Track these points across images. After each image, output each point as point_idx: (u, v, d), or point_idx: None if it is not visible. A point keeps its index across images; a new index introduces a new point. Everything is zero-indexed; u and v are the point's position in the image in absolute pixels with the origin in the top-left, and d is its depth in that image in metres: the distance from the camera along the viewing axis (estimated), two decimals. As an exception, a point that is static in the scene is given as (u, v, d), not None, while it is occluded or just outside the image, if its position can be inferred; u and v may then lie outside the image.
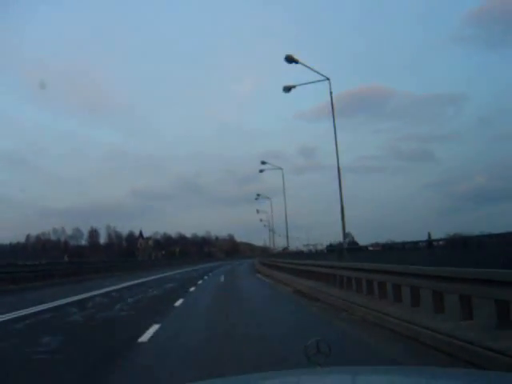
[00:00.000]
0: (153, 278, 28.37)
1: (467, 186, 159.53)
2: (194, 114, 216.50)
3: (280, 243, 71.60)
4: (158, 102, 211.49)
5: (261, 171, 37.68)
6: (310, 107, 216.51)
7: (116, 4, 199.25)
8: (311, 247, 62.95)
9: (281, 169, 37.81)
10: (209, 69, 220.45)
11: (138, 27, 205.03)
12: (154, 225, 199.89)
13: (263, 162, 36.66)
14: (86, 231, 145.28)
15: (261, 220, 62.66)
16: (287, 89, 19.91)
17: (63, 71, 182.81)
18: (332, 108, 17.38)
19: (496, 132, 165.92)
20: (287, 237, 40.38)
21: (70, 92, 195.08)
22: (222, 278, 27.66)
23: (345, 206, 17.48)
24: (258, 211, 57.54)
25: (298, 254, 32.08)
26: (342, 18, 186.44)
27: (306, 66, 17.12)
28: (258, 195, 49.83)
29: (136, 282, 23.54)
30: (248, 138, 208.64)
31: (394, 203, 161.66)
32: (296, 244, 71.14)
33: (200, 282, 23.44)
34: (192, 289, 18.49)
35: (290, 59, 17.42)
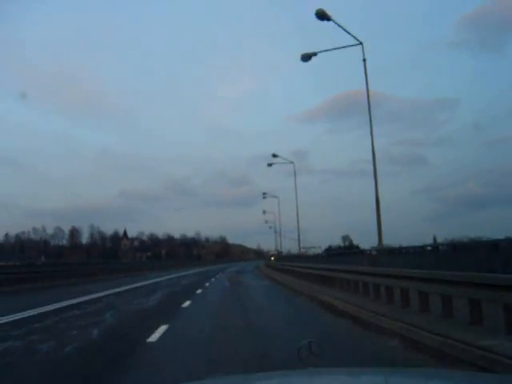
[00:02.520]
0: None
1: (459, 191, 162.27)
2: (185, 115, 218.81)
3: (275, 246, 68.97)
4: (149, 104, 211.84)
5: (269, 165, 35.79)
6: (301, 110, 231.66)
7: (107, 4, 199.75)
8: (307, 250, 64.50)
9: (292, 163, 35.78)
10: (201, 70, 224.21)
11: (130, 28, 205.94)
12: (142, 226, 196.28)
13: (274, 155, 34.62)
14: (68, 231, 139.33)
15: (266, 221, 62.77)
16: (307, 57, 16.85)
17: (53, 72, 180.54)
18: (366, 80, 14.75)
19: (488, 137, 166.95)
20: (299, 239, 37.79)
21: (58, 92, 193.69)
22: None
23: (379, 208, 14.19)
24: (264, 212, 57.23)
25: (312, 258, 29.49)
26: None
27: (339, 25, 14.80)
28: (265, 193, 48.56)
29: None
30: (239, 140, 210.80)
31: (386, 207, 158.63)
32: (289, 247, 70.39)
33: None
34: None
35: (321, 15, 14.78)
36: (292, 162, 35.90)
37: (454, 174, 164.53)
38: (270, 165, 35.90)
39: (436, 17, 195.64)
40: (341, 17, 14.97)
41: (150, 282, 24.30)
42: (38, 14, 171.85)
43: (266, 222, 63.03)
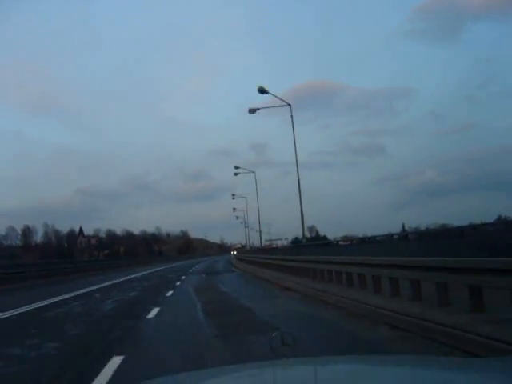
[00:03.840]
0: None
1: (418, 179, 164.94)
2: (141, 111, 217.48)
3: (246, 240, 72.98)
4: (104, 101, 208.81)
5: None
6: (261, 103, 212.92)
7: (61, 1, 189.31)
8: (271, 243, 70.78)
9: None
10: (156, 65, 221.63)
11: (83, 24, 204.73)
12: (101, 224, 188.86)
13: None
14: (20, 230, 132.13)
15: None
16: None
17: (8, 69, 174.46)
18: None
19: (447, 126, 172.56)
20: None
21: (11, 91, 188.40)
22: None
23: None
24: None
25: (278, 250, 32.79)
26: (290, 13, 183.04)
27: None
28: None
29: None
30: (197, 135, 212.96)
31: (348, 198, 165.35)
32: (256, 240, 73.12)
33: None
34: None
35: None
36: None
37: (415, 163, 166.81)
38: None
39: (392, 6, 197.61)
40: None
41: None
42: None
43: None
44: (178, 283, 20.46)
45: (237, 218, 67.37)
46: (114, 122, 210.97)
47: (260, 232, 45.57)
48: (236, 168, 41.30)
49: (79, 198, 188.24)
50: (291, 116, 22.51)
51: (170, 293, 15.49)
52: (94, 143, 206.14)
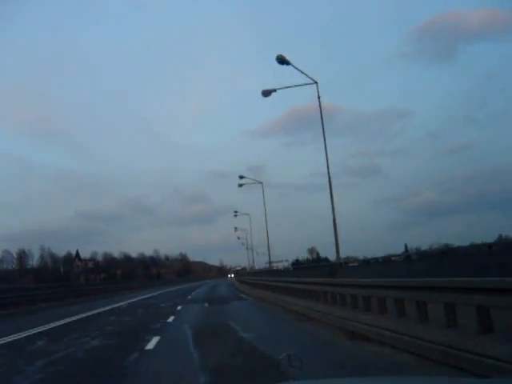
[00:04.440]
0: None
1: (418, 199, 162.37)
2: (139, 133, 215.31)
3: (248, 261, 73.95)
4: (103, 123, 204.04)
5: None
6: (257, 125, 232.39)
7: (60, 23, 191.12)
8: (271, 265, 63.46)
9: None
10: (155, 87, 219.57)
11: (79, 47, 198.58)
12: (98, 247, 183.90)
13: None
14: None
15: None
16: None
17: (6, 92, 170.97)
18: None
19: (444, 146, 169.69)
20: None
21: (12, 113, 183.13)
22: None
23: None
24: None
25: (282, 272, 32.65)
26: (288, 36, 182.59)
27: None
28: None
29: None
30: (195, 157, 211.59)
31: (348, 219, 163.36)
32: (256, 262, 72.58)
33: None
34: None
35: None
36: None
37: (413, 184, 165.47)
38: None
39: (388, 29, 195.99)
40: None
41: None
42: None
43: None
44: (171, 319, 14.41)
45: (238, 238, 65.94)
46: (112, 145, 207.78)
47: (269, 249, 39.74)
48: (241, 178, 37.65)
49: (77, 221, 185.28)
50: (318, 97, 17.66)
51: (152, 342, 9.43)
52: (92, 166, 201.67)
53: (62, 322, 15.59)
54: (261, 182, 38.33)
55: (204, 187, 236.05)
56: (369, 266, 13.94)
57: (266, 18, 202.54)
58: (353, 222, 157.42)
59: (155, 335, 10.34)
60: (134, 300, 29.05)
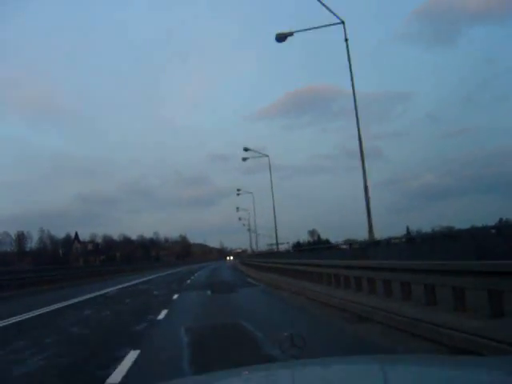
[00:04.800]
0: None
1: (417, 182, 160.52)
2: (139, 116, 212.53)
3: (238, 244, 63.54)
4: (102, 105, 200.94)
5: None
6: (258, 108, 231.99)
7: (62, 3, 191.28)
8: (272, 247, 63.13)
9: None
10: (155, 69, 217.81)
11: (83, 28, 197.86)
12: (98, 229, 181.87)
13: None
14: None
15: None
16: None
17: (6, 74, 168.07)
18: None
19: (444, 129, 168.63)
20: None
21: (12, 95, 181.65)
22: None
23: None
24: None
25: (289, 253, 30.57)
26: (288, 16, 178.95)
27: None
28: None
29: None
30: (194, 140, 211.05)
31: (347, 201, 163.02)
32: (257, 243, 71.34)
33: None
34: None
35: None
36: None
37: (413, 166, 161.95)
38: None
39: (389, 10, 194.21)
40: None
41: None
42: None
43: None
44: (162, 315, 10.73)
45: (240, 219, 64.43)
46: (112, 127, 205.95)
47: (276, 228, 36.61)
48: (246, 150, 34.75)
49: (77, 204, 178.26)
50: (346, 39, 14.39)
51: (124, 365, 5.77)
52: (92, 148, 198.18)
53: (24, 316, 12.04)
54: (267, 155, 35.77)
55: (204, 169, 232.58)
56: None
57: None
58: (353, 204, 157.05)
59: (134, 348, 6.70)
60: (126, 285, 25.54)
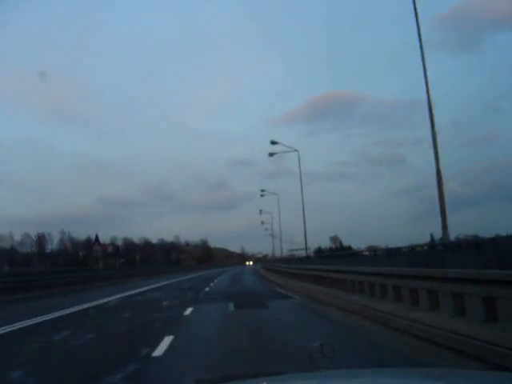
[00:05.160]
0: None
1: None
2: (162, 119, 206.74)
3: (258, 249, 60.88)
4: (126, 109, 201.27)
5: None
6: (280, 113, 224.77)
7: (85, 3, 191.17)
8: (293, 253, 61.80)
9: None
10: (178, 74, 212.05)
11: (107, 31, 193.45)
12: (119, 232, 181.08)
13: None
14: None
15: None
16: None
17: (29, 78, 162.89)
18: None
19: (467, 137, 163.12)
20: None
21: (36, 99, 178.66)
22: None
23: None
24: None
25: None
26: (311, 23, 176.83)
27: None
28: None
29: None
30: (217, 144, 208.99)
31: (369, 208, 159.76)
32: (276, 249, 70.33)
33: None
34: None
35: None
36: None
37: (434, 174, 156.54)
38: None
39: (413, 16, 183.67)
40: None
41: None
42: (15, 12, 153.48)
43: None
44: (162, 349, 6.97)
45: (262, 223, 63.79)
46: (135, 131, 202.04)
47: (305, 228, 33.21)
48: (273, 143, 31.97)
49: (99, 207, 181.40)
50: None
51: None
52: (115, 152, 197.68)
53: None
54: (296, 150, 32.45)
55: (226, 174, 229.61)
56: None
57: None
58: (374, 211, 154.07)
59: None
60: (135, 291, 22.02)
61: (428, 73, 12.55)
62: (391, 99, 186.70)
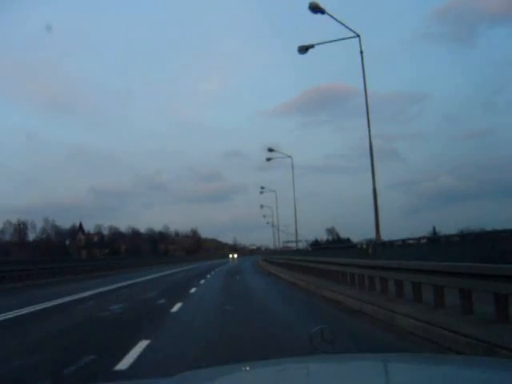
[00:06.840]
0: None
1: (434, 184, 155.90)
2: (155, 110, 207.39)
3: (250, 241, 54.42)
4: (119, 99, 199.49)
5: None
6: (272, 105, 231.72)
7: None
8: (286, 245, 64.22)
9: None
10: (172, 65, 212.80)
11: (102, 23, 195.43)
12: (108, 222, 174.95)
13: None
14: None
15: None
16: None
17: (21, 68, 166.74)
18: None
19: (461, 131, 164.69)
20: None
21: (27, 88, 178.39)
22: None
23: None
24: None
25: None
26: (306, 15, 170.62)
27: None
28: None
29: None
30: (210, 136, 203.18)
31: (363, 201, 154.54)
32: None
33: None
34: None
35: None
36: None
37: (430, 168, 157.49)
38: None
39: (408, 10, 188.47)
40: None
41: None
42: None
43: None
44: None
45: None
46: (127, 121, 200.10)
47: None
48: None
49: (89, 197, 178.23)
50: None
51: None
52: (106, 142, 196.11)
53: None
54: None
55: (219, 166, 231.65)
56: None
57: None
58: (369, 204, 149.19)
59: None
60: (103, 289, 16.25)
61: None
62: (385, 92, 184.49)
